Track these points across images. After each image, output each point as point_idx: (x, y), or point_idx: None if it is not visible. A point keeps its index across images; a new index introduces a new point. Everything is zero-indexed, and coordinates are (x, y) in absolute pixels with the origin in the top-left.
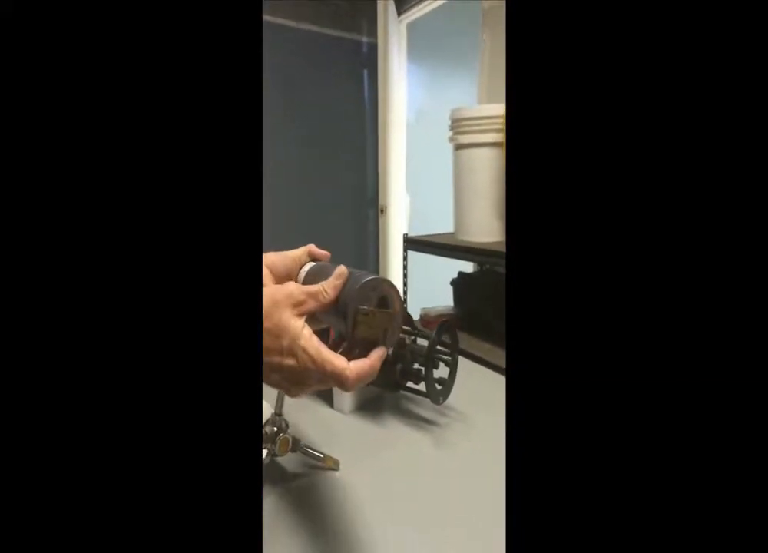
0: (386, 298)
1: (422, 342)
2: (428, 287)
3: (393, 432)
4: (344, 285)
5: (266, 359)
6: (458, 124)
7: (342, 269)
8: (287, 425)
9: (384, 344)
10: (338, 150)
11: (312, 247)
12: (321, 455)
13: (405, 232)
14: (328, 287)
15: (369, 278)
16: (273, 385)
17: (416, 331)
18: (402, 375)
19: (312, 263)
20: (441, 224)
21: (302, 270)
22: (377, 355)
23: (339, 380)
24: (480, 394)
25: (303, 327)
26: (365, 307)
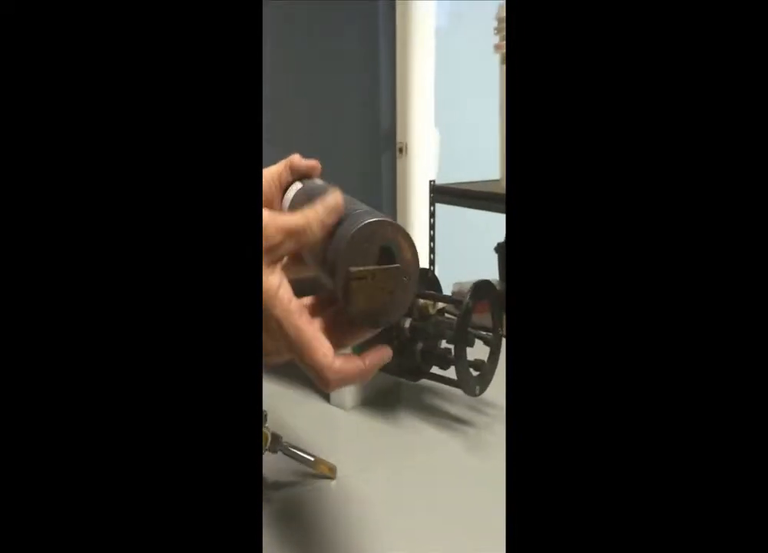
0: (390, 248)
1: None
2: (464, 255)
3: (410, 433)
4: (338, 225)
5: None
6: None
7: (335, 199)
8: (265, 417)
9: (389, 314)
10: (343, 71)
11: (294, 159)
12: (311, 459)
13: (433, 178)
14: (313, 222)
15: (362, 224)
16: None
17: (443, 297)
18: (424, 357)
19: (300, 184)
20: (481, 169)
21: (287, 194)
22: (377, 357)
23: (317, 377)
24: None
25: (279, 286)
26: (358, 268)
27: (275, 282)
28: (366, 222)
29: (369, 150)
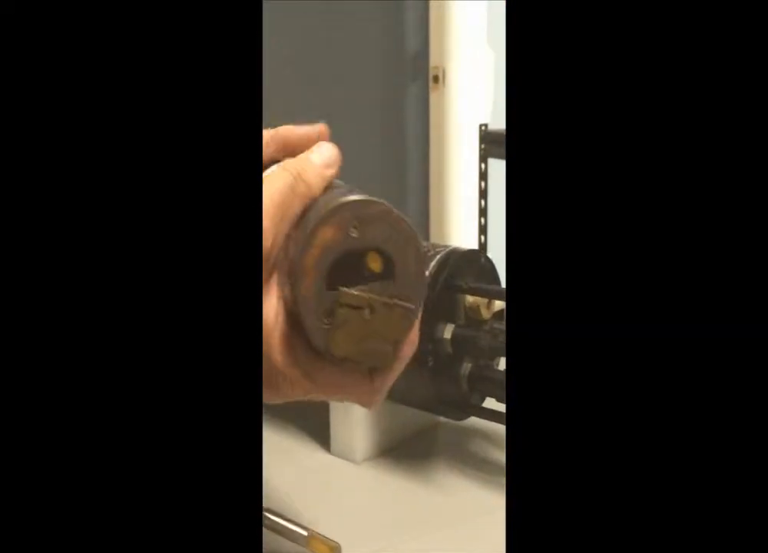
0: (386, 254)
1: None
2: None
3: (450, 496)
4: (310, 210)
5: None
6: None
7: (332, 147)
8: None
9: (381, 363)
10: None
11: (284, 131)
12: (304, 534)
13: (485, 122)
14: (312, 172)
15: (341, 203)
16: None
17: (501, 292)
18: (472, 383)
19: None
20: None
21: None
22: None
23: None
24: None
25: (277, 311)
26: (350, 290)
27: (272, 307)
28: (348, 200)
29: (390, 78)
